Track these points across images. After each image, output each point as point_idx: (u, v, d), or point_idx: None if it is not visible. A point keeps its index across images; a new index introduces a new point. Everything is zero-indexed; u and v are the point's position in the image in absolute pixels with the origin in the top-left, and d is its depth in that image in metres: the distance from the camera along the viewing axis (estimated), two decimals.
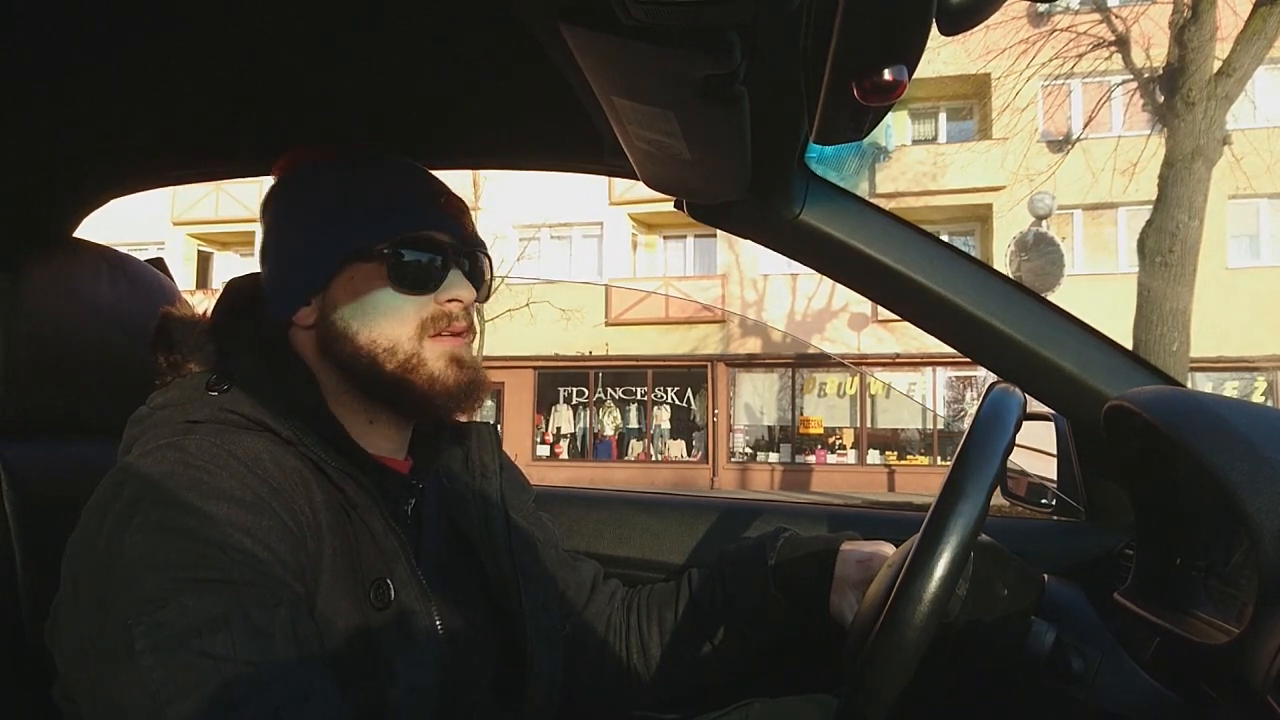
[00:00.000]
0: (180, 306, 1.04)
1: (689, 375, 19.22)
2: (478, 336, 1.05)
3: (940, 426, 18.35)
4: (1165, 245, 8.48)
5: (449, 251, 0.99)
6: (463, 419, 1.10)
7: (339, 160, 1.01)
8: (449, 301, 0.98)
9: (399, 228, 0.97)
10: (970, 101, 18.80)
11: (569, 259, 20.47)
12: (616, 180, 18.86)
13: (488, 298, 1.06)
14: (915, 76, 0.62)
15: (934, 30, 0.58)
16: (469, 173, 18.80)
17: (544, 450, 19.66)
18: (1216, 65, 8.61)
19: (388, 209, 0.98)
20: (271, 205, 1.03)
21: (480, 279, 1.04)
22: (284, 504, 0.85)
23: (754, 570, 1.18)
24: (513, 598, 1.03)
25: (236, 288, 1.06)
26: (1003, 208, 16.57)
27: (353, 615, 0.87)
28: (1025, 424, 0.90)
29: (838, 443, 18.72)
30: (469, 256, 1.02)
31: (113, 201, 1.38)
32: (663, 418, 19.52)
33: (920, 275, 1.22)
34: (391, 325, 0.96)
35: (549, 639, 1.07)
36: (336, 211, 0.97)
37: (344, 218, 0.97)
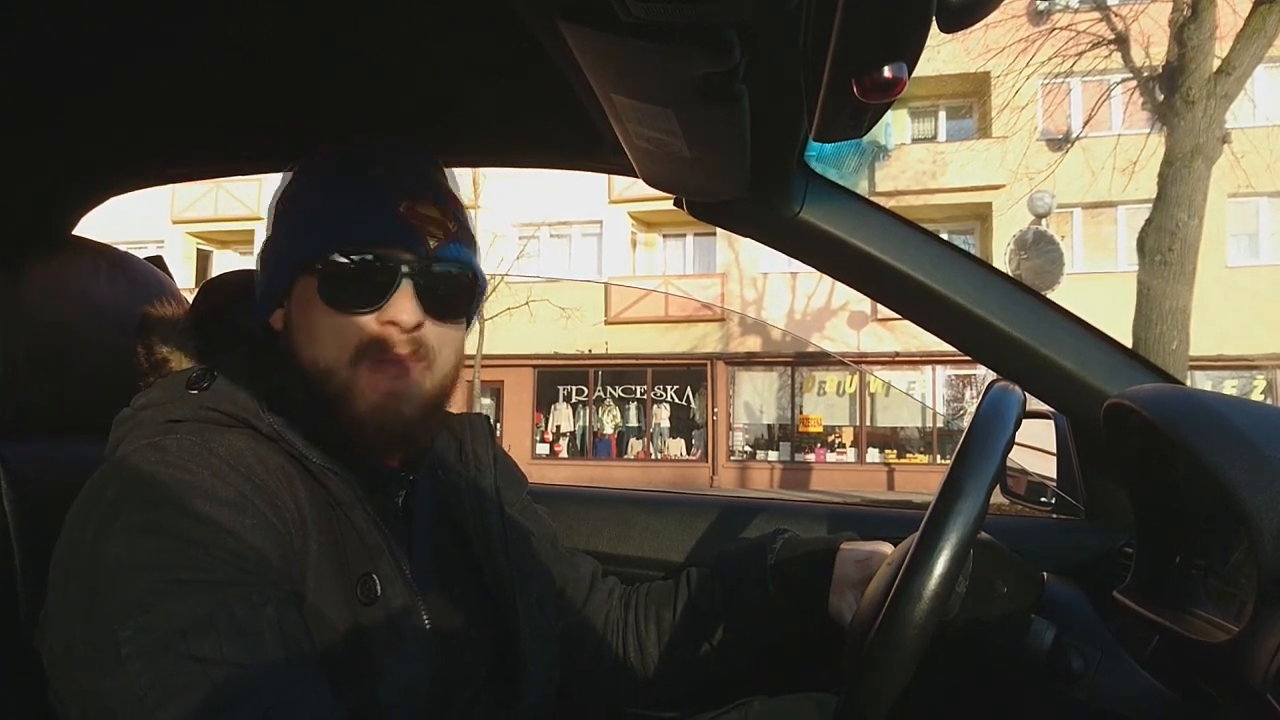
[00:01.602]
0: (162, 305, 1.03)
1: (688, 374, 19.21)
2: (436, 362, 0.94)
3: (940, 425, 18.35)
4: (1165, 244, 8.48)
5: (399, 266, 0.90)
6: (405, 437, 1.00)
7: (325, 163, 0.98)
8: (386, 323, 0.90)
9: (334, 238, 0.90)
10: (970, 100, 18.78)
11: (568, 257, 20.45)
12: (616, 179, 18.85)
13: (460, 317, 0.98)
14: (914, 75, 0.62)
15: (933, 28, 0.58)
16: (469, 172, 18.80)
17: (543, 449, 19.66)
18: (1216, 64, 8.60)
19: (327, 219, 0.91)
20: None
21: (449, 297, 0.94)
22: (268, 501, 0.84)
23: (753, 570, 1.18)
24: (507, 593, 1.02)
25: (213, 287, 1.05)
26: (1002, 206, 16.55)
27: (340, 612, 0.87)
28: (1025, 422, 0.90)
29: (837, 441, 18.72)
30: (431, 273, 0.92)
31: (112, 200, 1.38)
32: (662, 416, 19.52)
33: (920, 273, 1.22)
34: (327, 346, 0.90)
35: (543, 635, 1.07)
36: (292, 218, 0.95)
37: (295, 226, 0.95)
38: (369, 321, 0.90)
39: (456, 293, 0.96)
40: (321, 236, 0.91)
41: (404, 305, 0.90)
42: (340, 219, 0.91)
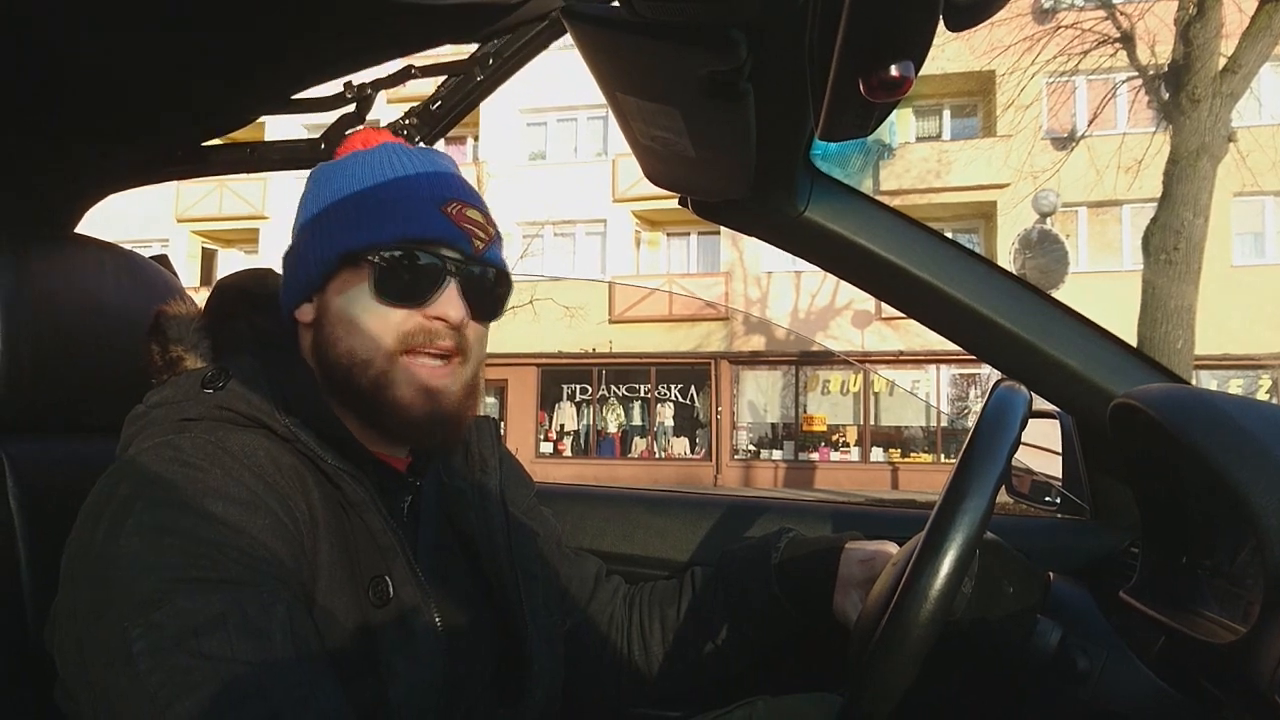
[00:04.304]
0: (176, 304, 1.03)
1: (692, 373, 19.21)
2: (470, 359, 0.97)
3: (944, 424, 18.33)
4: (1170, 243, 8.46)
5: (446, 264, 0.93)
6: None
7: (362, 163, 0.98)
8: (434, 318, 0.93)
9: (388, 234, 0.92)
10: (974, 98, 18.75)
11: (572, 256, 20.46)
12: (620, 177, 18.94)
13: (495, 317, 1.00)
14: (919, 74, 0.62)
15: (939, 26, 0.58)
16: (472, 171, 18.80)
17: (547, 448, 19.66)
18: (1222, 62, 8.58)
19: (381, 214, 0.93)
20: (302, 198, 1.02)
21: (487, 298, 0.97)
22: (280, 501, 0.84)
23: (757, 569, 1.18)
24: (511, 595, 1.03)
25: (227, 285, 1.05)
26: (1007, 205, 16.53)
27: (351, 613, 0.87)
28: (1030, 421, 0.89)
29: (841, 440, 18.70)
30: (474, 273, 0.95)
31: (116, 199, 1.38)
32: (666, 415, 19.51)
33: (925, 272, 1.22)
34: (371, 336, 0.92)
35: (547, 635, 1.07)
36: (335, 212, 0.96)
37: (339, 219, 0.95)
38: (414, 315, 0.92)
39: (495, 294, 0.99)
40: (374, 230, 0.93)
41: (452, 302, 0.93)
42: (388, 214, 0.93)
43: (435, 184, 0.96)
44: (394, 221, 0.93)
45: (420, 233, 0.93)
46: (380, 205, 0.94)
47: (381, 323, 0.92)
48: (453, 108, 1.31)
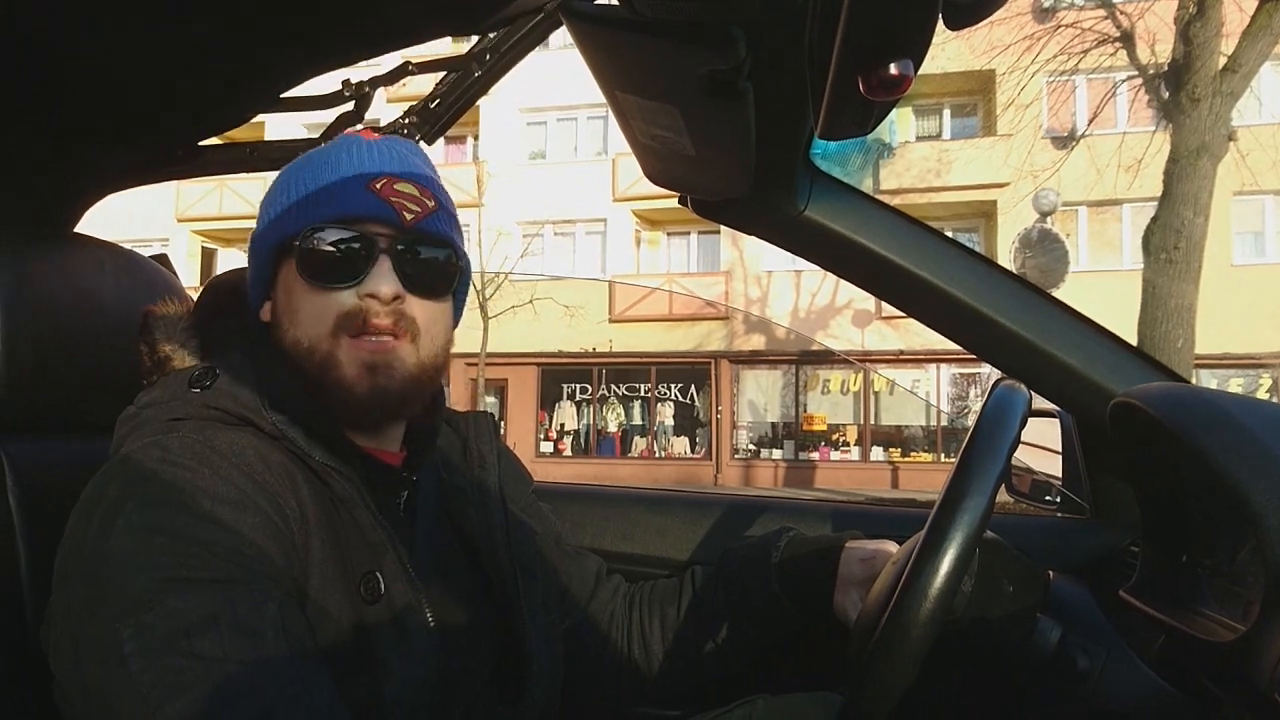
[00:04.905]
0: (164, 304, 1.03)
1: (692, 372, 19.21)
2: (421, 337, 0.93)
3: (944, 423, 18.34)
4: (1170, 242, 8.45)
5: (376, 240, 0.91)
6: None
7: (302, 159, 0.98)
8: (367, 296, 0.90)
9: (311, 217, 0.91)
10: (974, 98, 18.75)
11: (573, 255, 20.46)
12: (620, 177, 18.95)
13: (443, 293, 0.97)
14: (919, 72, 0.62)
15: (939, 25, 0.58)
16: (473, 169, 18.81)
17: (547, 447, 19.67)
18: (1222, 61, 8.57)
19: (306, 200, 0.93)
20: None
21: (427, 272, 0.94)
22: (269, 499, 0.84)
23: (757, 568, 1.18)
24: (510, 593, 1.02)
25: (220, 283, 1.06)
26: (1007, 204, 16.54)
27: (343, 609, 0.86)
28: (1030, 420, 0.89)
29: (841, 439, 18.71)
30: (408, 247, 0.92)
31: (116, 198, 1.38)
32: (666, 414, 19.52)
33: (925, 271, 1.22)
34: (310, 323, 0.91)
35: (547, 634, 1.07)
36: (271, 209, 0.96)
37: (273, 213, 0.96)
38: (349, 296, 0.91)
39: (437, 268, 0.96)
40: (297, 217, 0.92)
41: (383, 277, 0.91)
42: (315, 198, 0.92)
43: (365, 162, 0.94)
44: (317, 204, 0.92)
45: (342, 210, 0.91)
46: (307, 192, 0.93)
47: (319, 307, 0.91)
48: (451, 104, 1.31)
